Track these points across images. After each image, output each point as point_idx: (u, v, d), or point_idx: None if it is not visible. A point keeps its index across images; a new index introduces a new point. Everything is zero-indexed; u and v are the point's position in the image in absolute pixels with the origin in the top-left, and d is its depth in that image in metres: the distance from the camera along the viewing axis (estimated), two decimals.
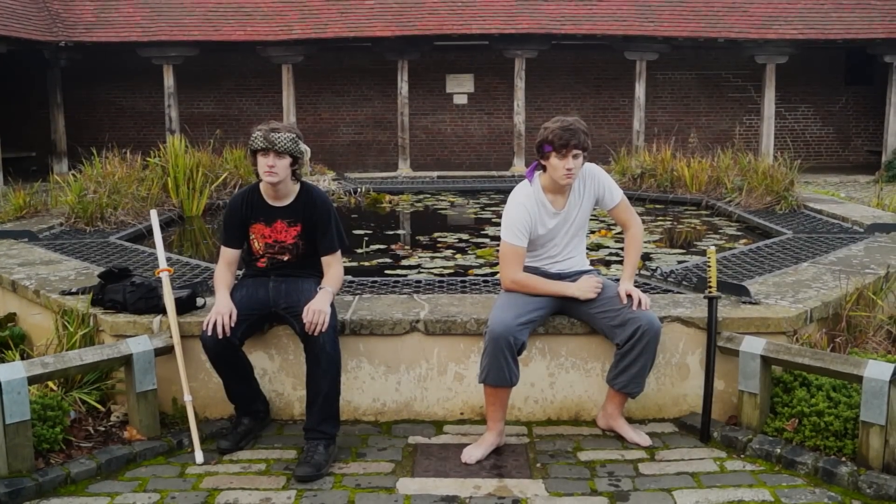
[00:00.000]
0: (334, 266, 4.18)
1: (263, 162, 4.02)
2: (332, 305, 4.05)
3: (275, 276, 4.16)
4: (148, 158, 9.25)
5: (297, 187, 4.19)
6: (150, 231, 7.67)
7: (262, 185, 4.16)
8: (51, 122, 18.29)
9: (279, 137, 3.99)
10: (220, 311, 3.96)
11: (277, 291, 4.09)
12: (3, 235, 6.77)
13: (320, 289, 4.03)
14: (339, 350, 3.96)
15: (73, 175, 8.39)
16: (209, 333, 3.91)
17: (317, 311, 3.86)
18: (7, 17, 16.12)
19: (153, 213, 4.57)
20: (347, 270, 6.29)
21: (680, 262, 6.18)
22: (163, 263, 4.24)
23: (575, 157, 3.92)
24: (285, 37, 17.26)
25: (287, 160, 4.03)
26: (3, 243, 6.49)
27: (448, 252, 7.10)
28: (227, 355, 3.99)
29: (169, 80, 17.75)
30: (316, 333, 3.84)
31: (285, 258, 4.18)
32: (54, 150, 18.11)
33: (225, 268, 4.20)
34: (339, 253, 4.22)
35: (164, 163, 9.06)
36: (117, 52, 18.17)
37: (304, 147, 4.10)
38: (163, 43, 17.33)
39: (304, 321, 3.84)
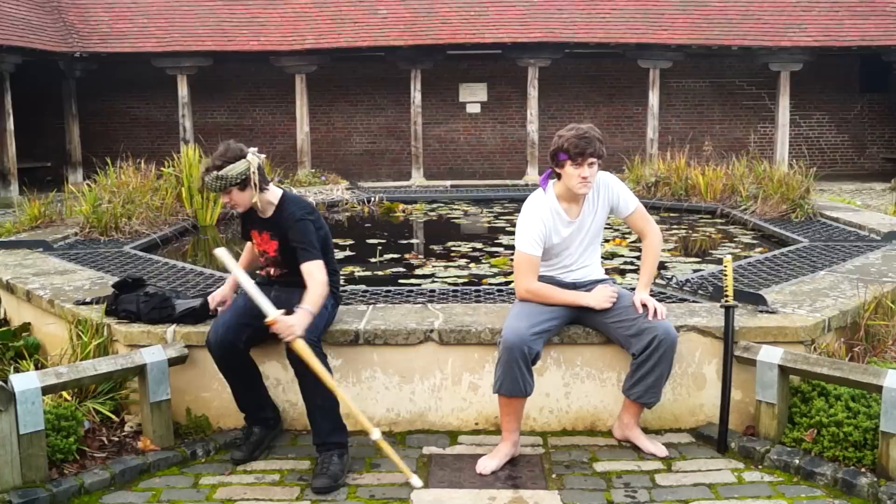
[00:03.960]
0: (312, 276, 3.92)
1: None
2: (314, 322, 3.86)
3: (278, 285, 4.14)
4: (162, 168, 9.29)
5: (276, 197, 4.08)
6: (164, 241, 7.75)
7: None
8: (66, 133, 18.44)
9: (210, 182, 3.94)
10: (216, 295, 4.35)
11: (277, 302, 3.98)
12: (19, 245, 6.79)
13: (298, 308, 3.79)
14: (325, 362, 3.85)
15: (87, 185, 8.44)
16: (211, 336, 3.96)
17: (285, 327, 3.67)
18: (23, 29, 16.25)
19: (222, 252, 3.98)
20: (361, 280, 6.30)
21: (696, 271, 6.14)
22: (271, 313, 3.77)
23: (590, 165, 3.89)
24: (298, 47, 17.33)
25: (235, 191, 3.96)
26: (18, 253, 6.51)
27: (462, 261, 7.09)
28: (232, 360, 3.99)
29: (183, 90, 17.85)
30: (284, 339, 3.72)
31: (273, 270, 4.18)
32: (69, 161, 18.24)
33: (247, 250, 4.42)
34: (311, 263, 3.95)
35: (178, 172, 9.10)
36: (132, 63, 18.30)
37: (237, 170, 3.90)
38: (177, 53, 17.44)
39: (273, 330, 3.71)
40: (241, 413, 4.19)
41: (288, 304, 3.99)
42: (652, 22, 17.58)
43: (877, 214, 8.56)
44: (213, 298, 4.36)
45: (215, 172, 3.92)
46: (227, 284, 4.43)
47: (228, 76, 19.63)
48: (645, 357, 3.90)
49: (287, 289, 4.07)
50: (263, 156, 4.09)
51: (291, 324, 3.68)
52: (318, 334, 3.95)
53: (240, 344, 3.97)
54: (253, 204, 4.03)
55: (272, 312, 3.71)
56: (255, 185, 3.98)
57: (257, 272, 4.29)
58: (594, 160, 3.90)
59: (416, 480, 3.68)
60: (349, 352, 4.26)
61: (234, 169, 3.92)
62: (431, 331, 4.24)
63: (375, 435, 3.65)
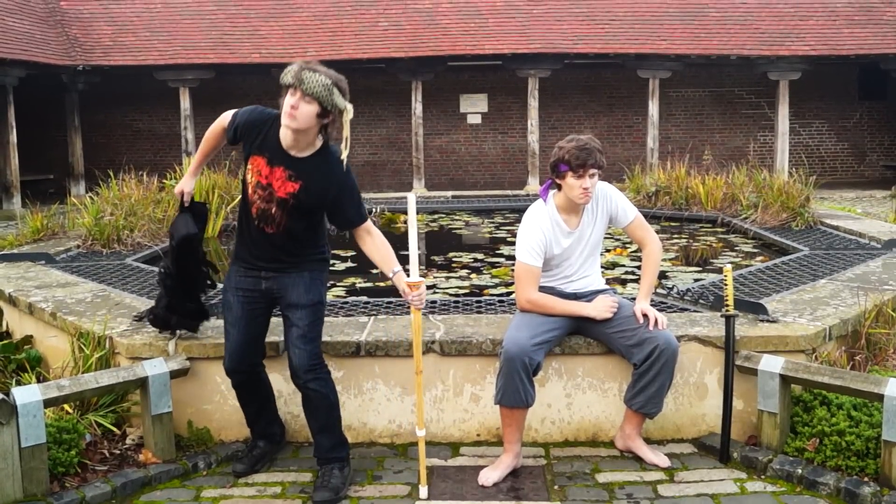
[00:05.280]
0: (374, 237, 3.81)
1: (288, 100, 3.52)
2: (311, 339, 3.76)
3: (265, 271, 3.79)
4: (164, 180, 9.31)
5: (318, 144, 3.70)
6: (167, 253, 7.73)
7: (282, 127, 3.63)
8: (69, 145, 18.48)
9: (311, 78, 3.47)
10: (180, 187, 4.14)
11: (270, 290, 3.83)
12: (21, 258, 6.80)
13: (393, 273, 3.73)
14: (327, 382, 3.80)
15: (90, 197, 8.45)
16: (227, 364, 3.91)
17: (422, 298, 3.66)
18: (26, 42, 16.31)
19: (412, 199, 3.79)
20: (363, 291, 6.31)
21: (696, 280, 6.14)
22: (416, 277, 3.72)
23: (591, 175, 3.91)
24: (300, 59, 17.31)
25: (314, 108, 3.51)
26: (21, 266, 6.52)
27: (463, 272, 7.08)
28: (250, 383, 3.97)
29: (185, 103, 17.90)
30: (420, 306, 3.68)
31: (269, 229, 3.73)
32: (72, 173, 18.28)
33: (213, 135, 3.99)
34: (369, 221, 3.83)
35: None
36: (134, 76, 18.34)
37: (339, 100, 3.55)
38: (179, 66, 17.51)
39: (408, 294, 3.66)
40: (245, 427, 4.17)
41: (281, 290, 3.79)
42: (651, 32, 17.63)
43: (877, 222, 8.56)
44: (178, 194, 4.18)
45: (329, 82, 3.51)
46: (187, 175, 4.21)
47: (230, 89, 19.65)
48: (646, 367, 3.90)
49: (280, 276, 3.79)
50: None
51: (425, 297, 3.71)
52: (320, 352, 3.85)
53: (257, 359, 3.96)
54: (300, 132, 3.59)
55: (417, 277, 3.65)
56: (327, 125, 3.63)
57: (248, 225, 3.83)
58: (595, 171, 3.92)
59: (423, 492, 3.69)
60: (350, 364, 4.26)
61: (340, 97, 3.56)
62: (433, 342, 4.24)
63: (421, 433, 3.74)
